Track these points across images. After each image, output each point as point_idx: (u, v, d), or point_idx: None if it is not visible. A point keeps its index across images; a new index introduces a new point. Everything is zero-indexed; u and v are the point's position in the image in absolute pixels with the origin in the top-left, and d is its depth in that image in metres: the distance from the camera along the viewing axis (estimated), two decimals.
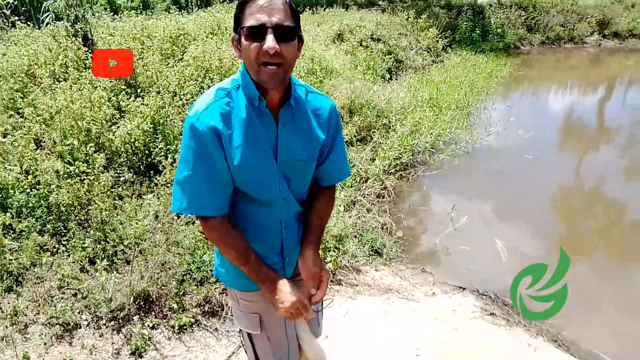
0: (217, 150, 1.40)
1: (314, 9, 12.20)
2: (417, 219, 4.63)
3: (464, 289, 3.52)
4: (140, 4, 13.97)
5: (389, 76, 8.86)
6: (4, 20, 9.64)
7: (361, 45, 9.25)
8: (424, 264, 3.84)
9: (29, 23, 8.92)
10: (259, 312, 1.68)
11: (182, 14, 10.75)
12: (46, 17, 12.50)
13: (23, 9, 12.08)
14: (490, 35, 12.62)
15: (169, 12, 13.02)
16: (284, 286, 1.46)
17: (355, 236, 4.00)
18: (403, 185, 5.15)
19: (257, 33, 1.30)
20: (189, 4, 15.10)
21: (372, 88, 6.61)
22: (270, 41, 1.29)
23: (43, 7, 12.52)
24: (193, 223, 3.48)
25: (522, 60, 11.44)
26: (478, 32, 12.32)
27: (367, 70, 8.05)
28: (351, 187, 4.62)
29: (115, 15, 8.45)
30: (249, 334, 1.73)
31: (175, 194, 1.47)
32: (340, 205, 4.22)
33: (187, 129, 1.41)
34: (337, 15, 11.24)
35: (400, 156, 5.39)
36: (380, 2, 14.63)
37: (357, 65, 7.98)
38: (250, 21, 1.30)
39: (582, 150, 6.62)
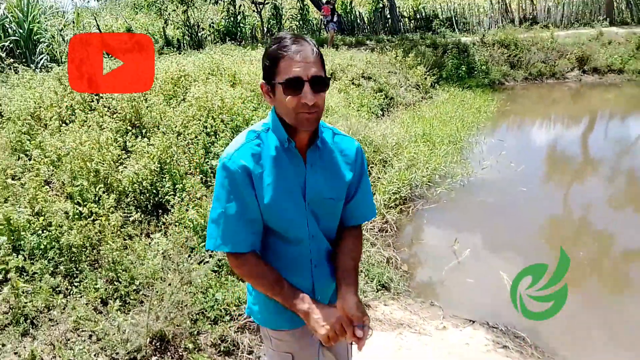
0: (248, 189, 1.47)
1: None
2: (420, 252, 4.69)
3: (473, 322, 3.55)
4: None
5: (381, 113, 9.09)
6: (0, 63, 9.74)
7: (353, 83, 9.50)
8: (431, 297, 3.88)
9: (25, 65, 9.04)
10: (292, 352, 1.70)
11: (169, 55, 11.00)
12: (41, 59, 12.64)
13: (18, 51, 12.19)
14: (475, 72, 13.03)
15: (160, 54, 13.27)
16: (322, 309, 1.47)
17: (362, 271, 4.04)
18: (403, 219, 5.23)
19: (295, 86, 1.39)
20: (182, 45, 15.44)
21: (367, 125, 6.79)
22: (308, 94, 1.39)
23: (38, 49, 12.67)
24: (205, 262, 3.50)
25: (507, 96, 11.79)
26: (464, 69, 12.73)
27: (360, 107, 8.25)
28: None
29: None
30: None
31: (210, 232, 1.54)
32: None
33: (220, 169, 1.50)
34: (328, 55, 11.56)
35: (399, 190, 5.49)
36: (368, 42, 15.08)
37: (350, 103, 8.19)
38: (286, 75, 1.39)
39: (572, 181, 6.80)
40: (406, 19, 18.44)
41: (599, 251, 4.74)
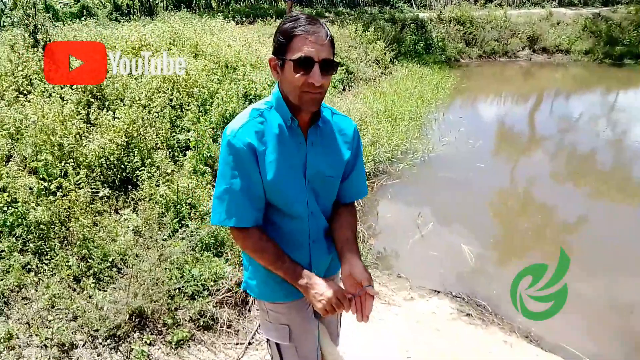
0: (253, 165, 1.52)
1: (265, 19, 12.28)
2: (386, 226, 4.85)
3: (438, 292, 3.76)
4: (81, 11, 13.45)
5: (342, 87, 9.12)
6: None
7: None
8: (398, 270, 4.05)
9: None
10: (288, 324, 1.78)
11: (123, 22, 10.52)
12: None
13: None
14: (432, 49, 13.24)
15: (112, 20, 12.61)
16: (321, 283, 1.52)
17: None
18: (369, 195, 5.37)
19: (305, 66, 1.44)
20: (131, 11, 14.73)
21: (332, 100, 6.83)
22: (317, 75, 1.44)
23: None
24: (174, 238, 3.49)
25: (463, 73, 12.10)
26: (422, 45, 12.90)
27: None
28: None
29: (57, 23, 8.15)
30: (277, 345, 1.82)
31: (215, 208, 1.59)
32: None
33: (225, 146, 1.54)
34: None
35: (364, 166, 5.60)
36: (327, 15, 14.95)
37: None
38: (299, 53, 1.43)
39: (523, 156, 7.17)
40: None
41: (543, 222, 5.07)
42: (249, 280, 1.80)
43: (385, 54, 11.31)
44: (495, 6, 16.34)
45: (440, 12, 15.08)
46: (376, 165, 5.98)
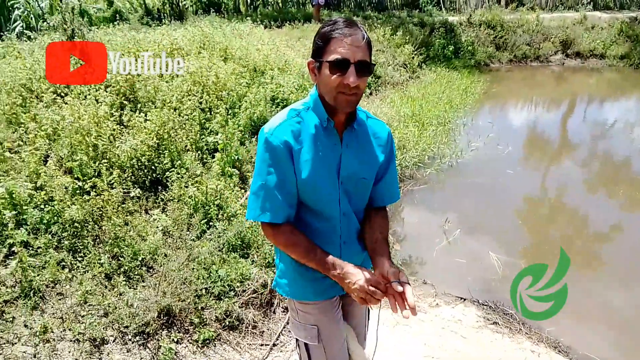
0: (289, 163, 1.55)
1: (292, 23, 12.38)
2: (412, 232, 4.83)
3: (464, 299, 3.72)
4: (114, 15, 13.82)
5: (369, 92, 9.11)
6: None
7: None
8: (424, 276, 4.03)
9: (0, 33, 8.73)
10: (317, 325, 1.80)
11: (154, 26, 10.73)
12: (16, 26, 12.19)
13: None
14: (461, 53, 13.10)
15: (141, 24, 12.90)
16: (354, 269, 1.50)
17: None
18: None
19: (341, 67, 1.46)
20: (162, 15, 15.05)
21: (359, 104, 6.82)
22: (352, 77, 1.46)
23: (13, 17, 12.20)
24: (202, 238, 3.54)
25: (493, 77, 11.93)
26: (451, 49, 12.77)
27: None
28: None
29: (91, 27, 8.39)
30: (306, 345, 1.84)
31: (251, 204, 1.62)
32: None
33: (262, 143, 1.58)
34: (316, 31, 11.44)
35: None
36: (355, 18, 14.96)
37: None
38: (335, 55, 1.46)
39: (555, 164, 7.01)
40: None
41: (574, 231, 4.94)
42: (278, 279, 1.83)
43: (413, 58, 11.25)
44: (527, 10, 16.04)
45: (470, 15, 14.89)
46: (402, 170, 5.94)
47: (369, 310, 2.04)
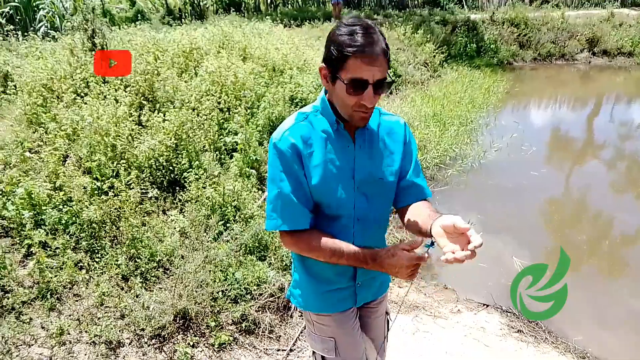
0: (299, 167, 1.49)
1: (312, 22, 12.32)
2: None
3: (487, 305, 3.60)
4: (136, 15, 13.96)
5: (389, 91, 9.01)
6: (0, 30, 9.56)
7: None
8: (445, 280, 3.92)
9: (26, 33, 8.87)
10: (334, 337, 1.73)
11: (174, 25, 10.80)
12: (41, 26, 12.39)
13: (18, 17, 11.92)
14: (484, 51, 12.88)
15: (162, 24, 13.01)
16: (387, 254, 1.41)
17: None
18: None
19: (359, 87, 1.36)
20: (183, 15, 15.17)
21: (379, 103, 6.73)
22: (370, 97, 1.37)
23: (38, 17, 12.39)
24: (219, 240, 3.51)
25: (516, 76, 11.69)
26: (473, 47, 12.57)
27: None
28: None
29: (113, 27, 8.47)
30: (323, 358, 1.78)
31: (269, 213, 1.55)
32: None
33: (271, 149, 1.51)
34: None
35: None
36: (375, 17, 14.83)
37: None
38: (352, 75, 1.35)
39: (581, 167, 6.81)
40: None
41: (600, 235, 4.77)
42: (292, 289, 1.77)
43: (434, 56, 11.11)
44: (552, 7, 15.70)
45: (493, 13, 14.65)
46: (423, 170, 5.80)
47: (388, 321, 1.96)
